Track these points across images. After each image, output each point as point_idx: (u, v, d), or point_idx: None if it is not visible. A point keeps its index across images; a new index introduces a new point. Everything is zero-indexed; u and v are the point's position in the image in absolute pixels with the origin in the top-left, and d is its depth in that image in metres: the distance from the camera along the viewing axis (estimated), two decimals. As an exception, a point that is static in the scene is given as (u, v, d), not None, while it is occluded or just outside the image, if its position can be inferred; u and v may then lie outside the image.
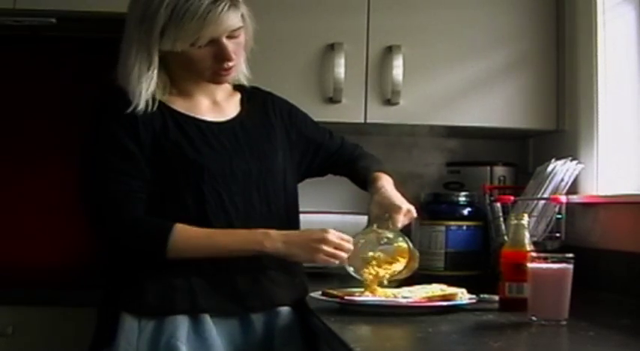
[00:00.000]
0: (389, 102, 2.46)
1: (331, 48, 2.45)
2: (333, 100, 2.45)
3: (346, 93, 2.44)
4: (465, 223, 2.34)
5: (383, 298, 1.67)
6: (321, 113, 2.45)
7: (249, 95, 1.85)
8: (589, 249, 2.17)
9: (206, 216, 1.66)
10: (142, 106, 1.66)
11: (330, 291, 1.74)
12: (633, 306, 1.88)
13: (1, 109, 2.87)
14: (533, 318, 1.51)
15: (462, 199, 2.40)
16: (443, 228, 2.32)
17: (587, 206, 2.28)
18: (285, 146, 1.84)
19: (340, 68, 2.42)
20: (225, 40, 1.65)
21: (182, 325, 1.60)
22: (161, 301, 1.60)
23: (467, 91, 2.49)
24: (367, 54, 2.47)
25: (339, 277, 2.38)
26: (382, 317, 1.58)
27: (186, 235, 1.62)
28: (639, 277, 1.94)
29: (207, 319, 1.63)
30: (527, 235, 1.68)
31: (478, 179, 2.57)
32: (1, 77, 2.87)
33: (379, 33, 2.47)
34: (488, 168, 2.62)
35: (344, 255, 1.66)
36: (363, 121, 2.48)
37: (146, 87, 1.65)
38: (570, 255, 1.53)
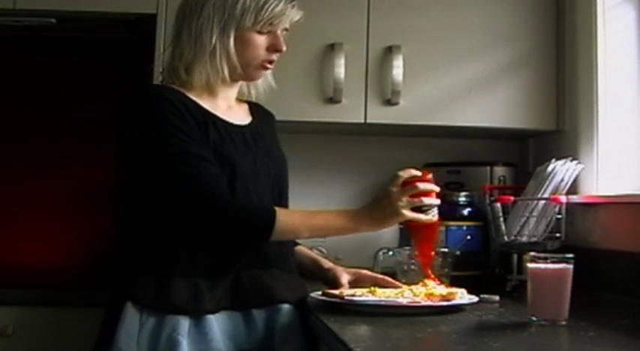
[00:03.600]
0: (389, 102, 2.46)
1: (331, 48, 2.45)
2: (333, 100, 2.45)
3: (346, 93, 2.44)
4: (465, 223, 2.34)
5: (383, 298, 1.67)
6: (321, 113, 2.46)
7: (256, 107, 1.93)
8: (589, 249, 2.17)
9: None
10: (202, 83, 1.74)
11: (330, 291, 1.74)
12: (633, 306, 1.88)
13: (0, 109, 2.87)
14: (533, 318, 1.51)
15: (462, 199, 2.40)
16: (443, 228, 2.32)
17: (587, 206, 2.28)
18: None
19: (340, 68, 2.42)
20: (279, 32, 1.77)
21: (184, 320, 1.61)
22: (164, 300, 1.61)
23: (467, 91, 2.49)
24: (367, 54, 2.47)
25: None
26: (382, 317, 1.58)
27: (288, 217, 1.68)
28: (639, 277, 1.94)
29: (209, 315, 1.63)
30: None
31: (478, 179, 2.57)
32: (1, 77, 2.87)
33: (379, 33, 2.47)
34: (488, 168, 2.62)
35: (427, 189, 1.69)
36: (363, 121, 2.47)
37: (219, 63, 1.73)
38: (570, 255, 1.53)
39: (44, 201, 2.83)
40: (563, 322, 1.49)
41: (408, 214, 1.67)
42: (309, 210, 1.73)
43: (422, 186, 1.69)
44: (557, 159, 2.29)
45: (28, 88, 2.89)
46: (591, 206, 2.27)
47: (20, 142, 2.86)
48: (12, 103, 2.88)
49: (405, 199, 1.67)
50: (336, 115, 2.47)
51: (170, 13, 2.40)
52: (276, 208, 1.66)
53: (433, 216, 1.71)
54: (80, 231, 2.82)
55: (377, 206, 1.69)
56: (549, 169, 2.27)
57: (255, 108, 1.92)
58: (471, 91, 2.50)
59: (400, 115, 2.48)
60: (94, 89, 2.86)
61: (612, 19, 2.28)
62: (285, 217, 1.67)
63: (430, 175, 1.73)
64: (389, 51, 2.46)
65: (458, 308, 1.67)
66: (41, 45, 2.84)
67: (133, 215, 1.71)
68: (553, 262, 1.52)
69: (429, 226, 1.72)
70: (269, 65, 1.80)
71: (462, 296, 1.69)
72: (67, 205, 2.85)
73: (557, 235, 2.19)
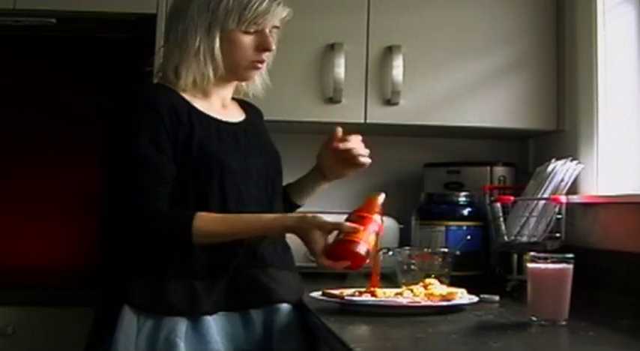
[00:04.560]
0: (389, 102, 2.46)
1: (331, 48, 2.45)
2: (333, 100, 2.45)
3: (346, 93, 2.44)
4: (465, 223, 2.34)
5: (383, 298, 1.67)
6: (321, 113, 2.46)
7: (247, 105, 1.94)
8: (589, 249, 2.17)
9: (227, 210, 1.71)
10: (189, 85, 1.74)
11: (330, 291, 1.74)
12: (633, 306, 1.88)
13: (0, 109, 2.87)
14: (533, 318, 1.51)
15: (462, 199, 2.40)
16: (443, 228, 2.32)
17: (587, 206, 2.28)
18: None
19: (340, 68, 2.42)
20: (267, 31, 1.76)
21: (181, 321, 1.61)
22: (161, 302, 1.61)
23: (467, 91, 2.49)
24: (367, 54, 2.47)
25: (338, 277, 2.38)
26: (382, 317, 1.58)
27: (206, 220, 1.66)
28: (639, 277, 1.94)
29: (206, 316, 1.64)
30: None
31: (478, 179, 2.57)
32: (1, 77, 2.87)
33: (379, 33, 2.47)
34: (488, 168, 2.62)
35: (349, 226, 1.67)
36: (363, 121, 2.47)
37: (204, 64, 1.73)
38: (570, 255, 1.53)
39: (44, 201, 2.83)
40: (563, 322, 1.49)
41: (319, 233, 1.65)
42: (235, 214, 1.72)
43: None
44: (557, 159, 2.29)
45: (28, 87, 2.89)
46: (591, 206, 2.27)
47: (20, 141, 2.86)
48: (12, 103, 2.88)
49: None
50: (336, 115, 2.46)
51: (170, 13, 2.41)
52: (197, 213, 1.64)
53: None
54: (80, 231, 2.82)
55: (299, 224, 1.67)
56: (549, 169, 2.27)
57: (244, 105, 1.92)
58: (471, 91, 2.49)
59: (400, 115, 2.48)
60: (94, 89, 2.86)
61: (612, 18, 2.28)
62: (203, 222, 1.64)
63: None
64: (389, 51, 2.46)
65: (458, 308, 1.67)
66: (41, 45, 2.84)
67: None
68: (553, 262, 1.53)
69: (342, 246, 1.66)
70: (259, 65, 1.80)
71: (462, 296, 1.69)
72: (67, 205, 2.85)
73: (557, 235, 2.19)
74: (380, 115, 2.48)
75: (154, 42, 2.38)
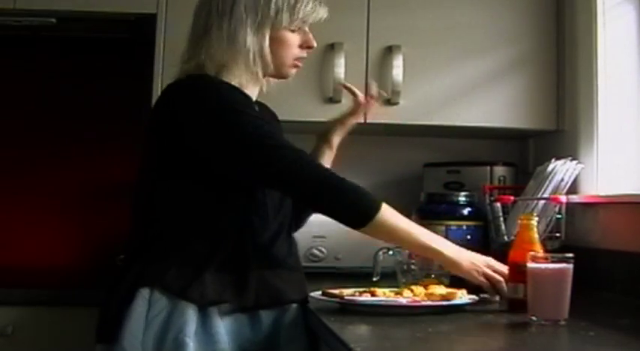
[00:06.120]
0: (389, 102, 2.46)
1: (331, 48, 2.45)
2: (333, 100, 2.45)
3: (346, 93, 2.43)
4: (465, 223, 2.34)
5: (383, 298, 1.67)
6: (321, 113, 2.46)
7: (264, 108, 1.92)
8: (589, 249, 2.17)
9: (264, 200, 1.73)
10: (235, 84, 1.73)
11: (330, 291, 1.74)
12: (633, 306, 1.88)
13: (0, 109, 2.87)
14: (533, 318, 1.51)
15: (462, 199, 2.40)
16: (443, 228, 2.32)
17: (587, 206, 2.28)
18: None
19: (340, 68, 2.42)
20: (307, 29, 1.80)
21: (191, 320, 1.59)
22: (198, 291, 1.60)
23: (467, 91, 2.49)
24: (367, 54, 2.47)
25: (338, 277, 2.38)
26: (382, 317, 1.58)
27: (393, 212, 1.67)
28: (639, 277, 1.94)
29: (215, 315, 1.62)
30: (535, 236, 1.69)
31: (478, 179, 2.57)
32: (1, 77, 2.87)
33: (379, 33, 2.47)
34: (488, 168, 2.62)
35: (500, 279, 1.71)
36: (363, 121, 2.47)
37: (254, 64, 1.73)
38: (570, 255, 1.53)
39: (44, 201, 2.83)
40: (563, 322, 1.49)
41: (478, 277, 1.71)
42: (413, 223, 1.73)
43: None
44: (557, 159, 2.29)
45: (27, 88, 2.89)
46: (591, 206, 2.27)
47: (19, 142, 2.86)
48: (11, 103, 2.88)
49: (488, 270, 1.70)
50: (336, 115, 2.46)
51: (170, 13, 2.41)
52: (383, 203, 1.66)
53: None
54: (80, 231, 2.82)
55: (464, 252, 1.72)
56: (549, 169, 2.27)
57: (262, 108, 1.90)
58: (471, 91, 2.50)
59: (400, 115, 2.48)
60: (94, 89, 2.86)
61: (612, 19, 2.28)
62: (389, 212, 1.66)
63: None
64: (389, 51, 2.46)
65: (458, 308, 1.67)
66: (41, 45, 2.84)
67: (159, 208, 1.70)
68: (553, 262, 1.53)
69: None
70: (299, 63, 1.82)
71: (462, 296, 1.69)
72: (68, 206, 2.85)
73: (557, 235, 2.19)
74: (380, 115, 2.47)
75: (154, 42, 2.39)
